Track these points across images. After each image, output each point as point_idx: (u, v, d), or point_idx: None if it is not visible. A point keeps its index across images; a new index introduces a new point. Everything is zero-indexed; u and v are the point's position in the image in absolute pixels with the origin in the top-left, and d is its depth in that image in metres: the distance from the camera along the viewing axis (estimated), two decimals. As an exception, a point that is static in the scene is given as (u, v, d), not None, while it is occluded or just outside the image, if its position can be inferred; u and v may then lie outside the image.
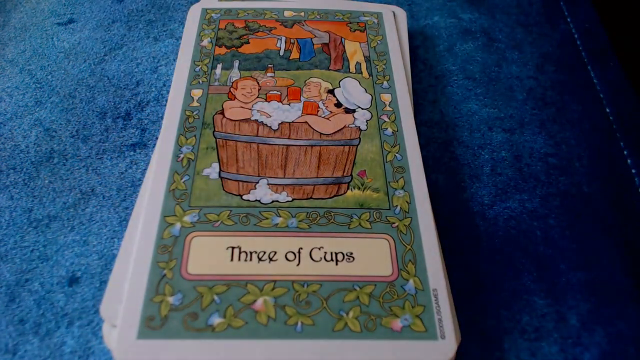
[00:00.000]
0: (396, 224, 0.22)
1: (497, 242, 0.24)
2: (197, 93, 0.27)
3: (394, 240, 0.22)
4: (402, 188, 0.24)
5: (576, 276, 0.23)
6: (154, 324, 0.19)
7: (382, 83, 0.28)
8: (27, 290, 0.22)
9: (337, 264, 0.21)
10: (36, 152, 0.27)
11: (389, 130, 0.26)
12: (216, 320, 0.19)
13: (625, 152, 0.28)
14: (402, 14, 0.32)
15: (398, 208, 0.23)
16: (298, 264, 0.21)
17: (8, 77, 0.30)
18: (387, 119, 0.26)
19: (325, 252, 0.21)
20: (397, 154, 0.25)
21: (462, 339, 0.20)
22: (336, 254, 0.21)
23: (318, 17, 0.31)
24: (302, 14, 0.32)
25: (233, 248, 0.21)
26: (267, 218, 0.22)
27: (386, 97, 0.27)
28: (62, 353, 0.21)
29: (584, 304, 0.22)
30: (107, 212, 0.25)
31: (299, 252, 0.21)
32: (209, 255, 0.21)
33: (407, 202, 0.23)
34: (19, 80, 0.30)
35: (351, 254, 0.21)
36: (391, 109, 0.27)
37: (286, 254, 0.21)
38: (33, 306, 0.22)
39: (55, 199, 0.25)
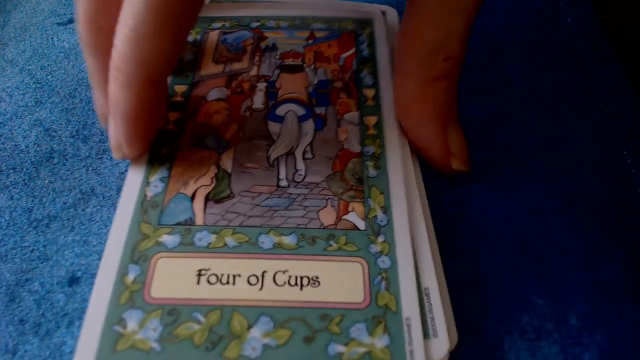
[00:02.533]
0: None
1: (497, 242, 0.24)
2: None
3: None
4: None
5: (576, 276, 0.23)
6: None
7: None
8: (27, 290, 0.22)
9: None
10: (36, 152, 0.27)
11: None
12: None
13: (625, 152, 0.28)
14: (392, 12, 0.32)
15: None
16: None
17: (8, 77, 0.30)
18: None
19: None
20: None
21: (462, 339, 0.20)
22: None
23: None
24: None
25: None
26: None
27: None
28: (62, 353, 0.21)
29: (584, 304, 0.22)
30: (107, 212, 0.25)
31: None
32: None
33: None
34: (19, 80, 0.30)
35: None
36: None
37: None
38: (33, 306, 0.22)
39: (55, 199, 0.25)
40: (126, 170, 0.26)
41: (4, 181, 0.26)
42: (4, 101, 0.29)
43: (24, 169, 0.26)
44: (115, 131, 0.22)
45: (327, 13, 0.31)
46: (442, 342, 0.19)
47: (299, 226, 0.22)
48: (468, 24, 0.22)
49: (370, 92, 0.27)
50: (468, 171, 0.25)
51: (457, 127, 0.25)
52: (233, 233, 0.22)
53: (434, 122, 0.24)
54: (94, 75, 0.23)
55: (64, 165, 0.26)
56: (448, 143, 0.24)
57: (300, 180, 0.24)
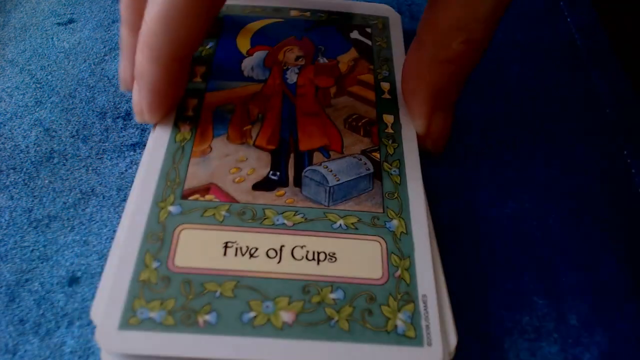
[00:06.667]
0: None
1: (497, 242, 0.24)
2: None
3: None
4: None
5: (576, 276, 0.23)
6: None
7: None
8: (27, 290, 0.22)
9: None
10: (36, 152, 0.27)
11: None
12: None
13: (625, 152, 0.28)
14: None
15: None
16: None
17: (8, 77, 0.30)
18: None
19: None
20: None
21: (462, 339, 0.20)
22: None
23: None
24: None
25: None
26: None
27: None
28: (62, 353, 0.21)
29: (584, 304, 0.22)
30: (107, 212, 0.25)
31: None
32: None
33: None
34: (19, 80, 0.30)
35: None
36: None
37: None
38: (33, 306, 0.22)
39: (55, 199, 0.25)
40: (126, 170, 0.26)
41: (4, 181, 0.26)
42: (4, 101, 0.29)
43: (24, 169, 0.26)
44: (139, 99, 0.24)
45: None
46: (436, 352, 0.19)
47: None
48: (497, 9, 0.21)
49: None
50: (438, 154, 0.26)
51: (447, 113, 0.25)
52: None
53: (425, 102, 0.24)
54: (126, 45, 0.25)
55: (64, 165, 0.26)
56: (431, 124, 0.25)
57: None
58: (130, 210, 0.22)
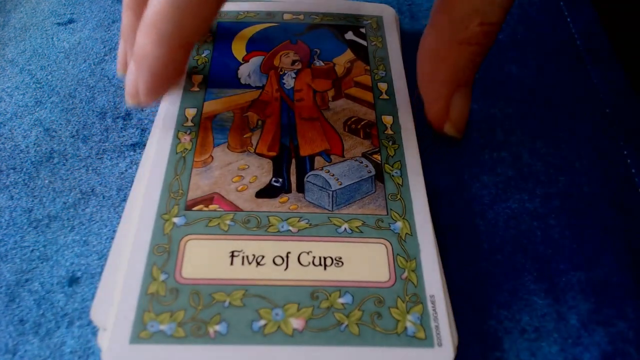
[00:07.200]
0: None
1: (497, 242, 0.24)
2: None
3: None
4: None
5: (576, 276, 0.23)
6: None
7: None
8: (27, 290, 0.22)
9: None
10: (36, 152, 0.27)
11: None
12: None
13: (625, 152, 0.28)
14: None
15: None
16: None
17: (8, 77, 0.30)
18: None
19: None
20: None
21: (462, 339, 0.20)
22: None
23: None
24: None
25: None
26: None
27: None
28: (62, 353, 0.21)
29: (584, 304, 0.22)
30: (107, 212, 0.25)
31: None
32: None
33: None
34: (19, 80, 0.30)
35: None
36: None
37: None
38: (33, 306, 0.22)
39: (55, 199, 0.25)
40: (126, 170, 0.26)
41: (4, 181, 0.26)
42: (4, 101, 0.29)
43: (24, 169, 0.26)
44: (136, 80, 0.23)
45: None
46: (447, 352, 0.19)
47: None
48: None
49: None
50: (458, 138, 0.26)
51: (466, 93, 0.25)
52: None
53: (444, 83, 0.24)
54: (128, 28, 0.25)
55: (64, 165, 0.26)
56: (449, 107, 0.25)
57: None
58: (134, 223, 0.22)
